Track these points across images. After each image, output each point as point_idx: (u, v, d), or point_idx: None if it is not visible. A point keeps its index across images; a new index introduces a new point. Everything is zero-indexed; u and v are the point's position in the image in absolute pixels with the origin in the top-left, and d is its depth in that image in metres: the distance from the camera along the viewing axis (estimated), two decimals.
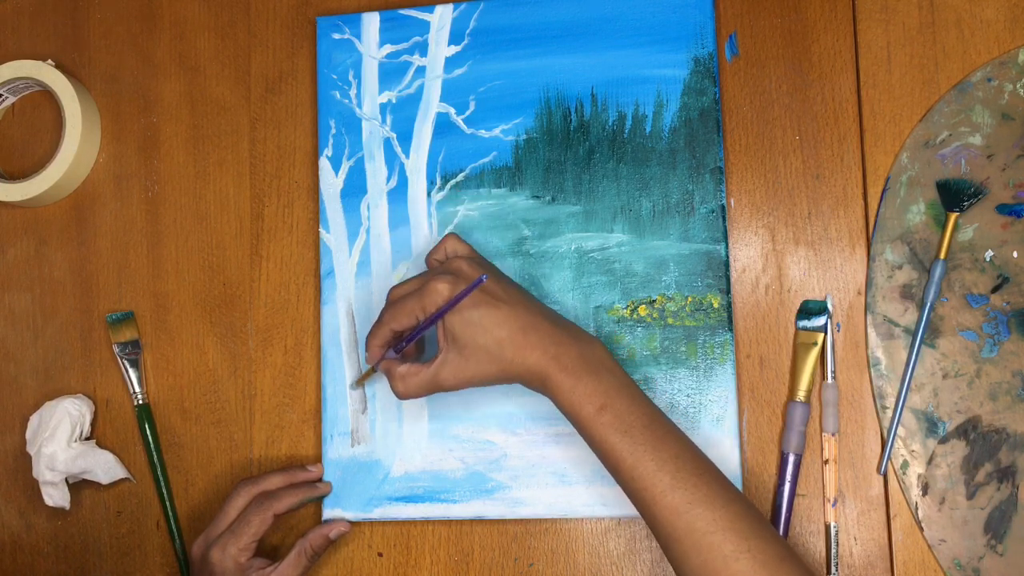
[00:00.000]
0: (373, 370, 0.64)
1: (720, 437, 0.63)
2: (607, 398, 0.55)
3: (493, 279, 0.58)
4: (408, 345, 0.61)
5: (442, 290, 0.57)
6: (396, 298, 0.61)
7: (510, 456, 0.66)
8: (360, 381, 0.68)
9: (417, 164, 0.70)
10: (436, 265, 0.62)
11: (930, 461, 0.62)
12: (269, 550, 0.69)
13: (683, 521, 0.52)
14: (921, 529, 0.61)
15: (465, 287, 0.57)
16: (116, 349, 0.73)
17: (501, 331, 0.56)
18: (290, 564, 0.64)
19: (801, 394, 0.63)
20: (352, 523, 0.68)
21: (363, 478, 0.68)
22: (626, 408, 0.55)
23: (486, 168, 0.69)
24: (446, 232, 0.65)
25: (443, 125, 0.70)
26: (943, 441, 0.62)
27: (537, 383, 0.57)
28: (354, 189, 0.70)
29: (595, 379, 0.55)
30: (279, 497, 0.65)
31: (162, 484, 0.71)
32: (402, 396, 0.60)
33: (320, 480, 0.68)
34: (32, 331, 0.75)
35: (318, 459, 0.69)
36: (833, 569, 0.61)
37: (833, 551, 0.61)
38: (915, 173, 0.64)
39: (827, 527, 0.62)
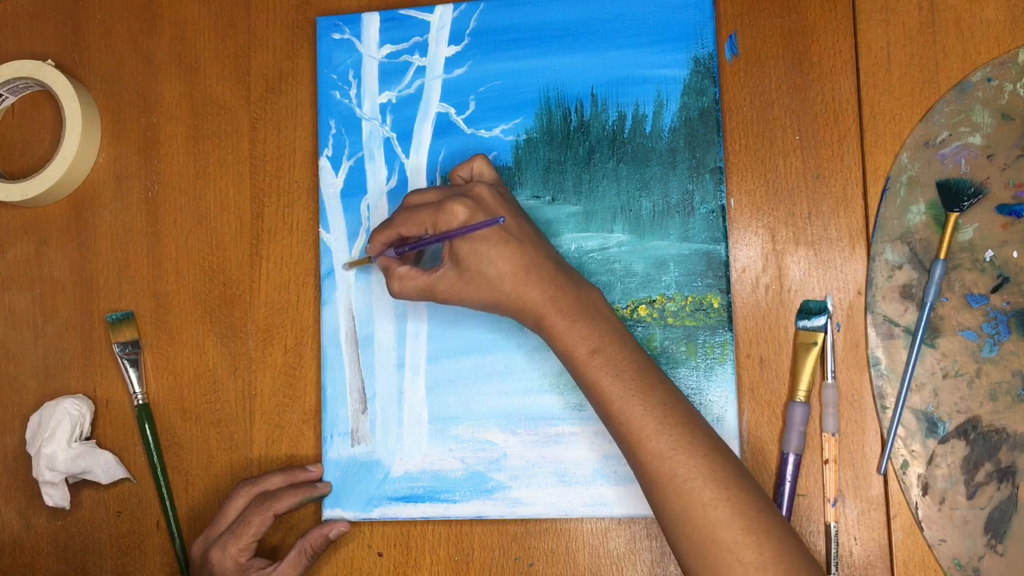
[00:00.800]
0: (370, 260, 0.64)
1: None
2: (600, 342, 0.56)
3: (510, 216, 0.58)
4: (410, 251, 0.61)
5: (458, 213, 0.57)
6: (412, 205, 0.60)
7: (510, 456, 0.66)
8: (352, 264, 0.68)
9: (417, 164, 0.70)
10: (459, 183, 0.62)
11: (930, 461, 0.62)
12: (269, 550, 0.69)
13: (666, 466, 0.53)
14: (921, 529, 0.61)
15: (483, 219, 0.57)
16: (116, 349, 0.73)
17: (505, 265, 0.57)
18: (290, 564, 0.64)
19: (801, 394, 0.63)
20: (352, 523, 0.68)
21: (363, 478, 0.68)
22: (618, 353, 0.56)
23: None
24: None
25: (443, 125, 0.70)
26: (943, 441, 0.62)
27: (531, 322, 0.58)
28: (354, 189, 0.70)
29: (589, 323, 0.56)
30: (279, 497, 0.65)
31: (162, 484, 0.71)
32: (396, 295, 0.61)
33: (320, 480, 0.68)
34: (32, 331, 0.75)
35: (318, 459, 0.69)
36: (833, 569, 0.61)
37: (833, 551, 0.62)
38: (915, 173, 0.64)
39: (827, 527, 0.62)
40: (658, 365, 0.57)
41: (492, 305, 0.58)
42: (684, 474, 0.52)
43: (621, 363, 0.55)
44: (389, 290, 0.61)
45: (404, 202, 0.61)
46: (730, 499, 0.51)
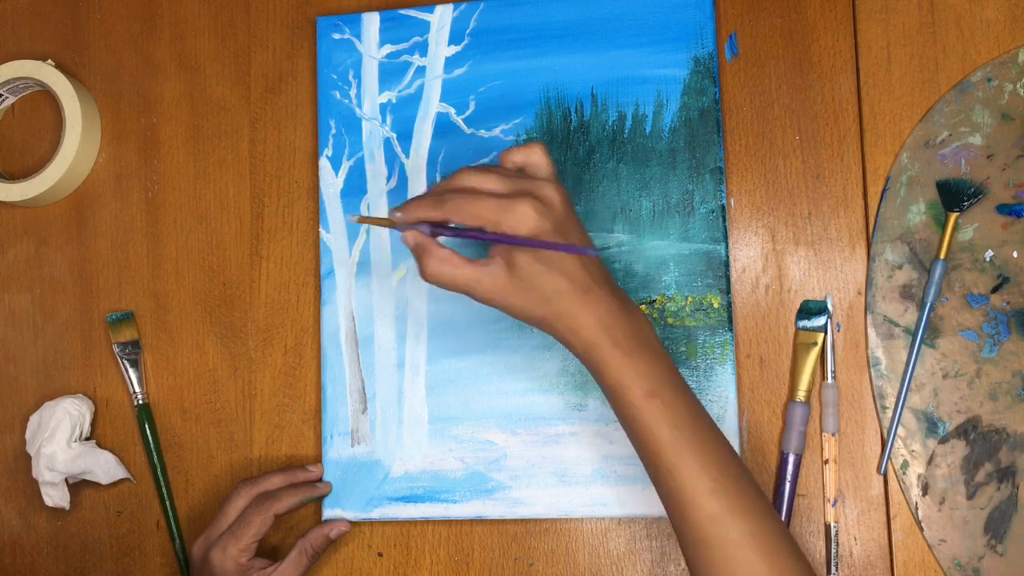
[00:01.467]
0: (392, 226, 0.55)
1: None
2: (658, 383, 0.51)
3: (581, 236, 0.53)
4: (450, 235, 0.53)
5: (528, 218, 0.50)
6: (467, 188, 0.52)
7: (510, 456, 0.66)
8: (365, 220, 0.57)
9: (417, 164, 0.70)
10: (512, 170, 0.54)
11: (930, 461, 0.62)
12: (269, 550, 0.69)
13: (717, 529, 0.49)
14: (921, 529, 0.61)
15: (549, 227, 0.50)
16: (116, 349, 0.73)
17: (563, 282, 0.51)
18: (291, 564, 0.64)
19: (801, 394, 0.63)
20: (352, 523, 0.68)
21: (363, 478, 0.68)
22: (675, 398, 0.51)
23: None
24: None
25: (443, 125, 0.70)
26: (943, 441, 0.62)
27: (580, 349, 0.52)
28: (354, 189, 0.70)
29: (646, 361, 0.52)
30: (279, 497, 0.64)
31: (162, 484, 0.71)
32: (430, 278, 0.53)
33: (320, 480, 0.68)
34: (32, 331, 0.75)
35: (318, 459, 0.69)
36: (833, 569, 0.61)
37: (833, 551, 0.62)
38: (915, 173, 0.64)
39: (827, 527, 0.62)
40: (706, 411, 0.53)
41: (539, 320, 0.53)
42: (737, 540, 0.49)
43: (679, 410, 0.51)
44: (422, 271, 0.53)
45: (458, 182, 0.53)
46: (780, 569, 0.49)
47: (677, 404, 0.51)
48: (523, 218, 0.50)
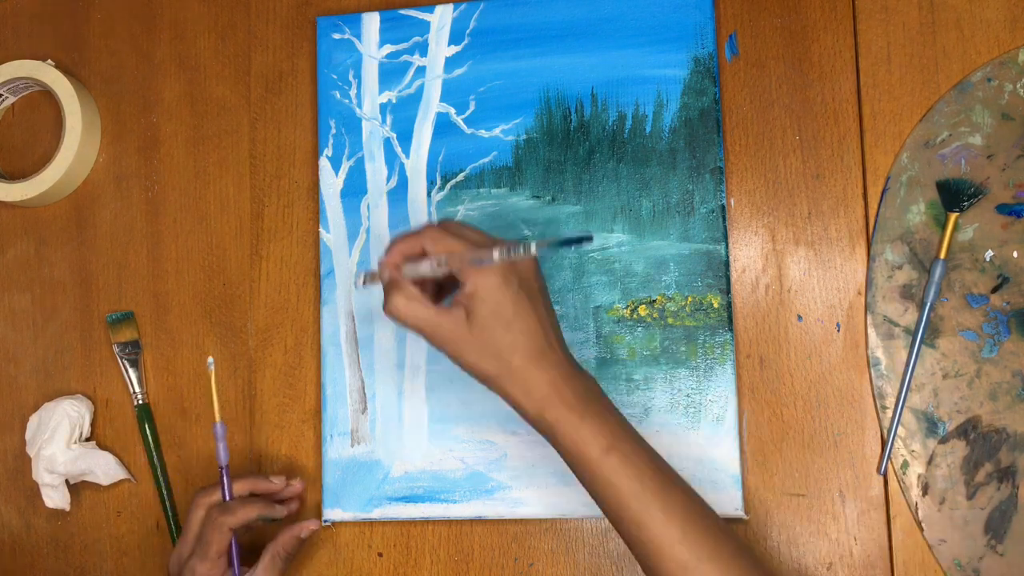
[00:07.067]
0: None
1: (720, 437, 0.63)
2: (614, 438, 0.52)
3: (540, 289, 0.54)
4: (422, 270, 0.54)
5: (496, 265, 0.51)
6: (446, 229, 0.54)
7: (510, 456, 0.66)
8: (369, 279, 0.57)
9: (417, 164, 0.70)
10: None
11: (930, 461, 0.62)
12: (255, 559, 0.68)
13: None
14: (921, 529, 0.61)
15: (516, 283, 0.52)
16: (116, 349, 0.73)
17: (522, 338, 0.52)
18: (264, 570, 0.63)
19: None
20: (352, 523, 0.68)
21: (363, 478, 0.68)
22: (633, 450, 0.52)
23: (486, 168, 0.69)
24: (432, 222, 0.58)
25: (443, 125, 0.70)
26: (943, 441, 0.62)
27: (532, 410, 0.53)
28: (354, 189, 0.70)
29: (599, 418, 0.52)
30: (233, 511, 0.62)
31: (162, 484, 0.71)
32: (392, 312, 0.53)
33: (284, 491, 0.66)
34: (32, 331, 0.75)
35: (318, 459, 0.69)
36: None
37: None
38: (915, 173, 0.64)
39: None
40: (663, 458, 0.53)
41: (490, 377, 0.53)
42: None
43: (638, 463, 0.51)
44: (385, 304, 0.53)
45: (439, 226, 0.55)
46: None
47: (636, 456, 0.52)
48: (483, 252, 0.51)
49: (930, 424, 0.62)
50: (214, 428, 0.64)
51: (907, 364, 0.62)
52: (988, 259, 0.62)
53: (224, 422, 0.65)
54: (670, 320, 0.65)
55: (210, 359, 0.64)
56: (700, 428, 0.64)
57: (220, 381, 0.72)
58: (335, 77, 0.72)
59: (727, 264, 0.65)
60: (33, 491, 0.73)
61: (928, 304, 0.62)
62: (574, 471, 0.53)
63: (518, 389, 0.53)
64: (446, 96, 0.70)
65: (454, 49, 0.70)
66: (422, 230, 0.54)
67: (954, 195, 0.62)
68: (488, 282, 0.51)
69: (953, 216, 0.62)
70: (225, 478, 0.63)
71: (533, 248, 0.51)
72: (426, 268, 0.53)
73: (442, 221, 0.55)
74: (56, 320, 0.75)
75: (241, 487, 0.65)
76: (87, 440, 0.72)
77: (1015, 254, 0.62)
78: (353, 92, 0.71)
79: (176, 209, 0.74)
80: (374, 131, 0.71)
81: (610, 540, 0.65)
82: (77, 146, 0.74)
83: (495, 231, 0.68)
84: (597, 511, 0.64)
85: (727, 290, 0.65)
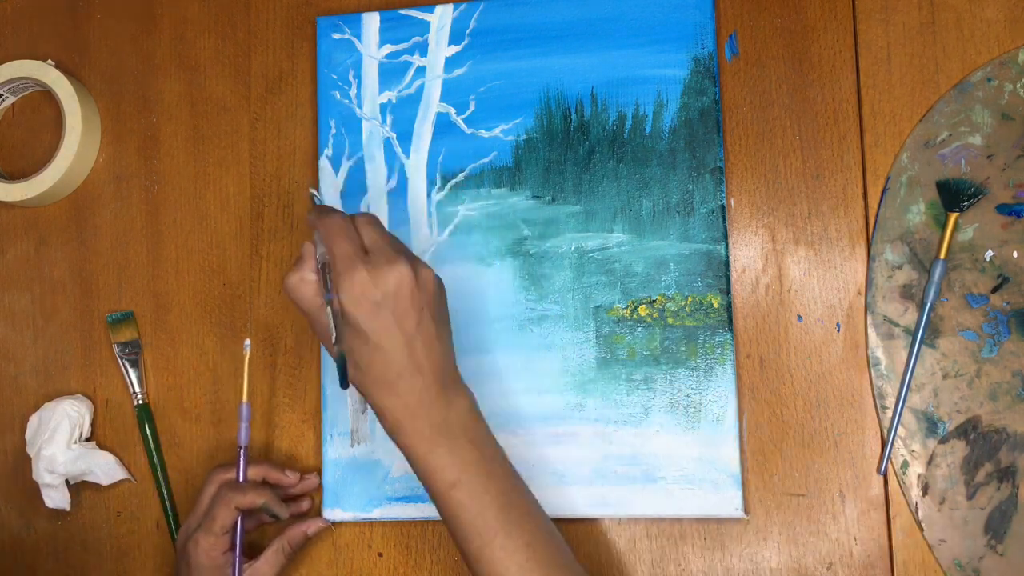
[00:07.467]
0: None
1: (720, 437, 0.63)
2: (461, 474, 0.52)
3: (436, 300, 0.53)
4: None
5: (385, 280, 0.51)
6: (349, 235, 0.53)
7: (510, 456, 0.66)
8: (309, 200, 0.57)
9: (417, 164, 0.70)
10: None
11: (930, 461, 0.62)
12: (258, 552, 0.68)
13: None
14: (921, 529, 0.61)
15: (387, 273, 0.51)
16: (116, 349, 0.73)
17: (376, 357, 0.51)
18: (267, 561, 0.63)
19: None
20: (352, 523, 0.68)
21: (363, 478, 0.68)
22: (481, 487, 0.52)
23: (486, 168, 0.69)
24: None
25: (443, 125, 0.70)
26: (943, 441, 0.62)
27: (387, 430, 0.53)
28: (354, 189, 0.70)
29: (449, 450, 0.52)
30: (244, 491, 0.62)
31: (162, 484, 0.71)
32: (286, 286, 0.54)
33: (301, 483, 0.67)
34: (32, 331, 0.75)
35: (318, 459, 0.69)
36: None
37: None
38: (915, 173, 0.64)
39: None
40: (524, 491, 0.54)
41: (356, 382, 0.52)
42: None
43: (484, 499, 0.52)
44: (287, 275, 0.53)
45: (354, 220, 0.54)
46: None
47: (483, 493, 0.52)
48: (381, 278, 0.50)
49: (930, 424, 0.62)
50: (240, 408, 0.64)
51: (907, 364, 0.62)
52: (988, 259, 0.62)
53: (250, 403, 0.65)
54: (670, 320, 0.65)
55: (247, 341, 0.64)
56: (700, 428, 0.64)
57: (220, 381, 0.72)
58: (335, 77, 0.72)
59: (727, 264, 0.65)
60: (33, 491, 0.73)
61: (928, 304, 0.62)
62: (427, 493, 0.54)
63: (375, 407, 0.53)
64: (446, 96, 0.70)
65: (454, 49, 0.70)
66: (350, 217, 0.53)
67: (954, 195, 0.62)
68: (353, 295, 0.50)
69: (953, 216, 0.62)
70: (242, 459, 0.64)
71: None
72: (319, 256, 0.53)
73: (371, 217, 0.54)
74: (56, 320, 0.75)
75: (256, 472, 0.65)
76: (87, 440, 0.72)
77: (1015, 254, 0.62)
78: (353, 92, 0.71)
79: (176, 209, 0.74)
80: (374, 131, 0.71)
81: (610, 540, 0.65)
82: (77, 146, 0.74)
83: (495, 231, 0.68)
84: (596, 512, 0.65)
85: (727, 290, 0.65)
